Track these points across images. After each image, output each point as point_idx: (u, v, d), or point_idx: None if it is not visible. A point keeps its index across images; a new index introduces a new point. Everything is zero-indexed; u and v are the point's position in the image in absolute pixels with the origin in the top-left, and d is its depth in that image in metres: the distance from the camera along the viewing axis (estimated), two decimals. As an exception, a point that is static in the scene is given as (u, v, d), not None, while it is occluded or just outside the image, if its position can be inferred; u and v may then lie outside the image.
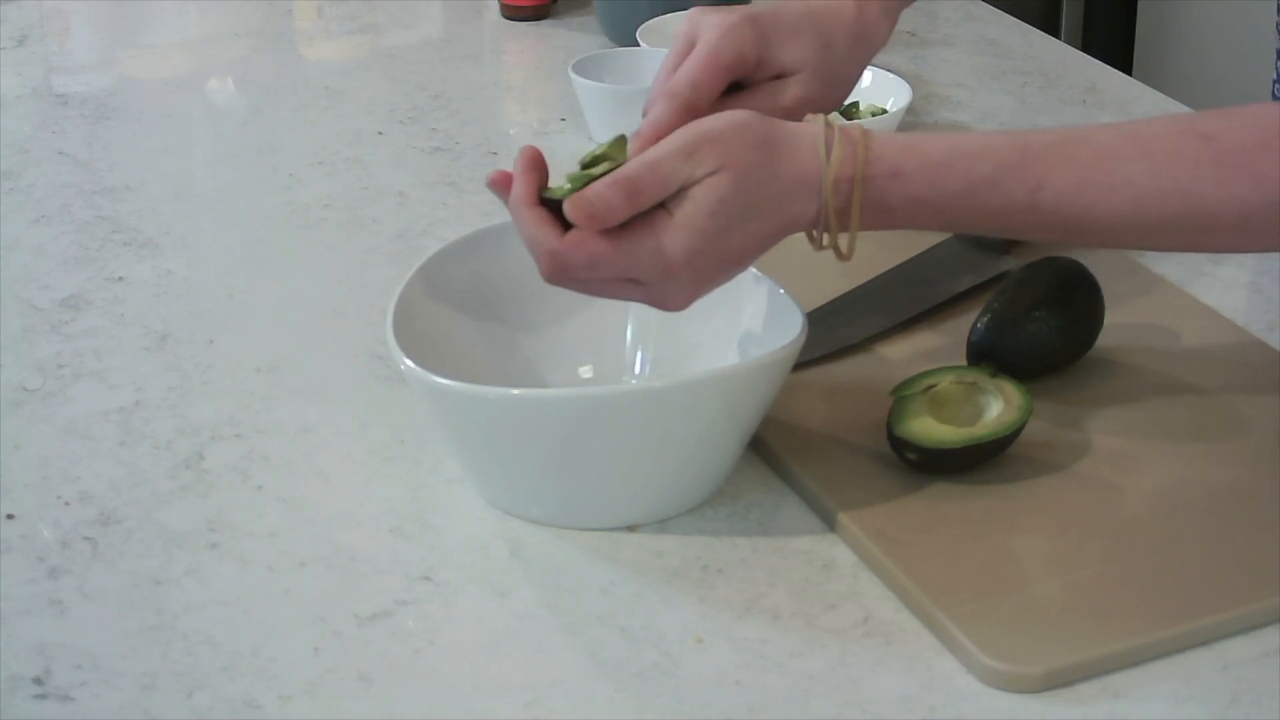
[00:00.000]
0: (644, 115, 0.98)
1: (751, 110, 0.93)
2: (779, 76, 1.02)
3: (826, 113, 0.98)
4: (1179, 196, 0.89)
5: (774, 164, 0.89)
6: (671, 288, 0.90)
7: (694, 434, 0.92)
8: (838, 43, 1.03)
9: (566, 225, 0.89)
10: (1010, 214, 0.91)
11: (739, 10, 1.00)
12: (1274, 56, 1.41)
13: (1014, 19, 1.78)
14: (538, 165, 0.92)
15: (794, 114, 0.99)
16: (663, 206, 0.88)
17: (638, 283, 0.89)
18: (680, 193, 0.88)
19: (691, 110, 0.96)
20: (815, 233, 0.92)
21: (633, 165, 0.88)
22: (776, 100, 1.01)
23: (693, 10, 1.02)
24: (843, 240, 0.91)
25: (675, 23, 1.55)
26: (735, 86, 1.01)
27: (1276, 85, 1.40)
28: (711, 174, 0.88)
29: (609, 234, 0.88)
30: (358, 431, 1.04)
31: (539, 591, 0.90)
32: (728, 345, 1.01)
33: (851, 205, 0.90)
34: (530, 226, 0.89)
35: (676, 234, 0.88)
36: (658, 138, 0.94)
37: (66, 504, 0.96)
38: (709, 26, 0.99)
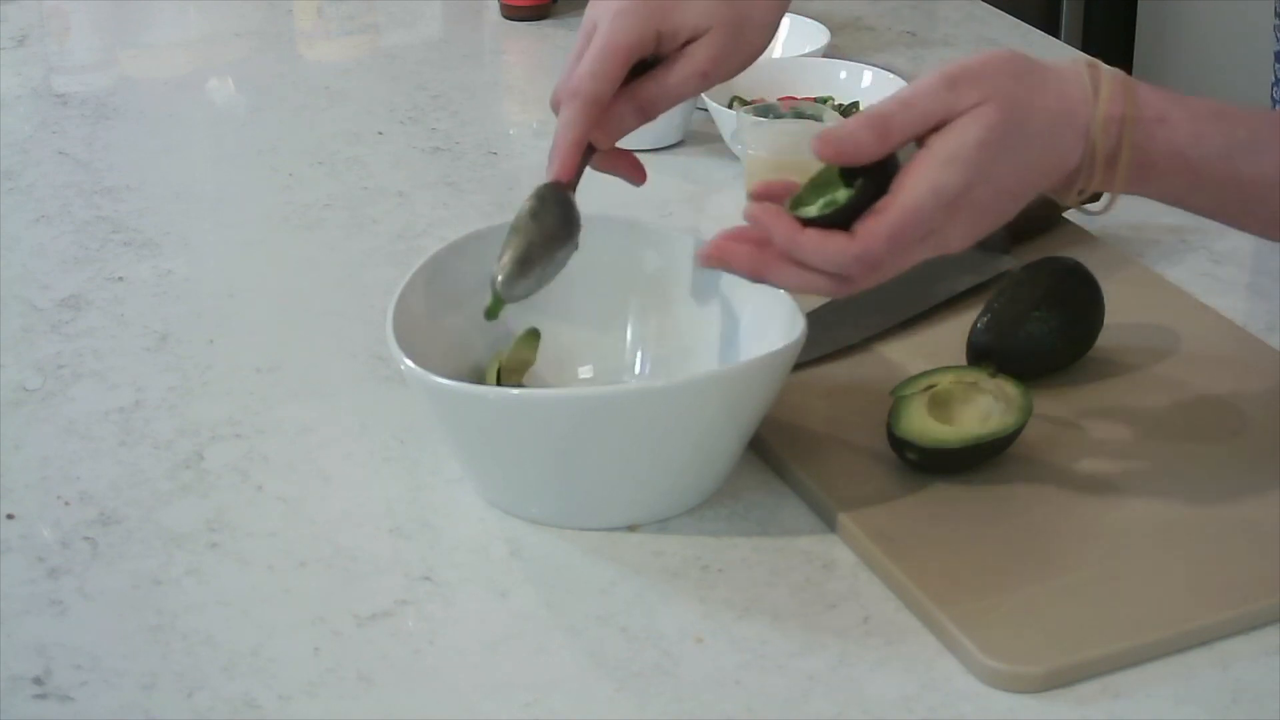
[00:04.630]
0: (554, 111, 0.97)
1: (675, 77, 0.91)
2: (688, 42, 0.98)
3: (746, 65, 0.96)
4: None
5: (1040, 96, 0.86)
6: (954, 228, 0.86)
7: (694, 434, 0.92)
8: None
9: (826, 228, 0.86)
10: (1259, 187, 0.87)
11: None
12: (1273, 59, 1.41)
13: (1014, 19, 1.78)
14: (775, 194, 0.90)
15: (710, 78, 0.98)
16: (922, 145, 0.85)
17: (931, 235, 0.86)
18: (941, 128, 0.85)
19: (597, 104, 0.95)
20: (1080, 181, 0.87)
21: (885, 103, 0.85)
22: (688, 68, 0.98)
23: None
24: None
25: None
26: (645, 66, 0.98)
27: (1275, 88, 1.40)
28: (976, 105, 0.84)
29: (890, 202, 0.84)
30: (358, 431, 1.04)
31: (539, 591, 0.90)
32: (728, 345, 1.01)
33: (1121, 151, 0.85)
34: (819, 247, 0.86)
35: (948, 168, 0.84)
36: (571, 142, 0.94)
37: (66, 504, 0.96)
38: (604, 14, 0.96)
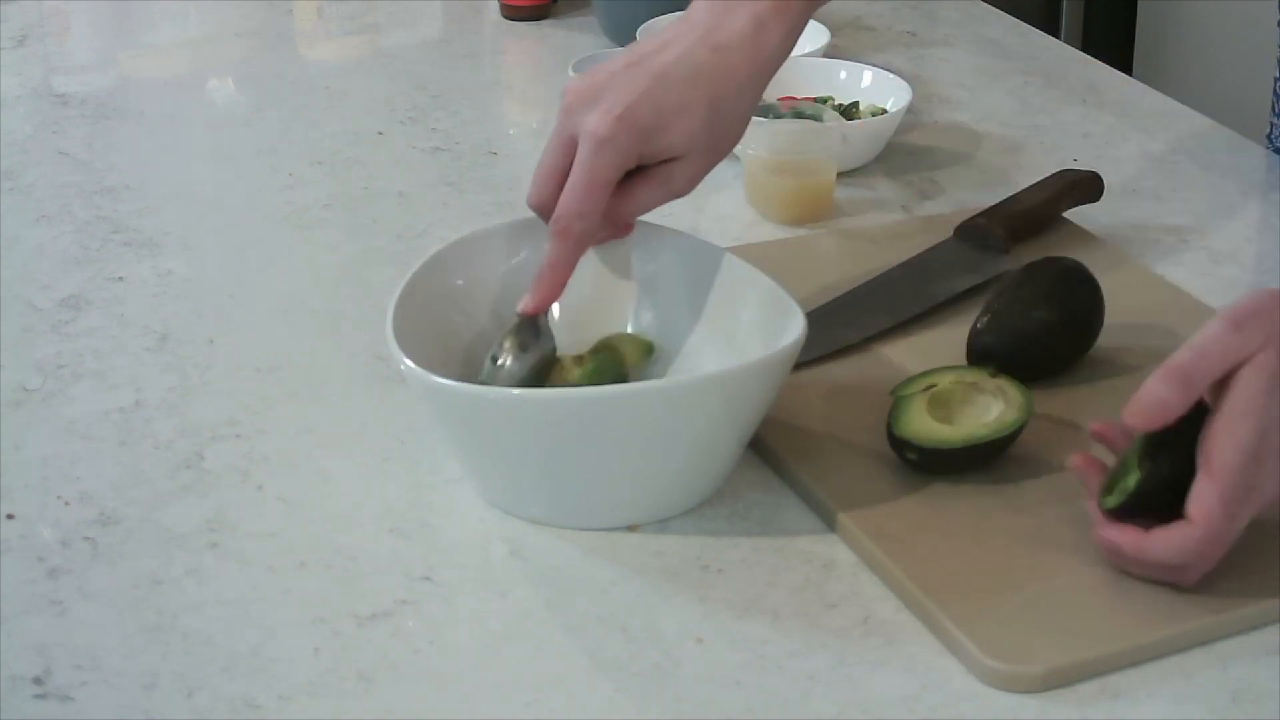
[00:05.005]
0: (534, 211, 0.98)
1: (651, 198, 0.95)
2: (667, 160, 0.98)
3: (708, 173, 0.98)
4: None
5: None
6: (1268, 478, 0.85)
7: (694, 434, 0.92)
8: (726, 104, 0.98)
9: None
10: None
11: (618, 100, 0.95)
12: (1274, 59, 1.41)
13: (1014, 19, 1.78)
14: (1096, 469, 0.90)
15: (683, 194, 0.99)
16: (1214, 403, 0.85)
17: (1250, 492, 0.85)
18: (1227, 379, 0.85)
19: (587, 241, 0.96)
20: None
21: (1178, 356, 0.85)
22: (665, 190, 0.98)
23: (570, 88, 0.97)
24: None
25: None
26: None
27: (1278, 85, 1.40)
28: (1258, 351, 0.85)
29: (1208, 472, 0.84)
30: (358, 431, 1.04)
31: (539, 591, 0.90)
32: (728, 345, 1.01)
33: None
34: (1167, 547, 0.85)
35: (1243, 422, 0.84)
36: (561, 279, 0.96)
37: (66, 504, 0.96)
38: (586, 137, 0.95)
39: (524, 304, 0.98)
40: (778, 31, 0.99)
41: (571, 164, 0.96)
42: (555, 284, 0.97)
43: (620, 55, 0.99)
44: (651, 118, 0.95)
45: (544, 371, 1.00)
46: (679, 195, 0.99)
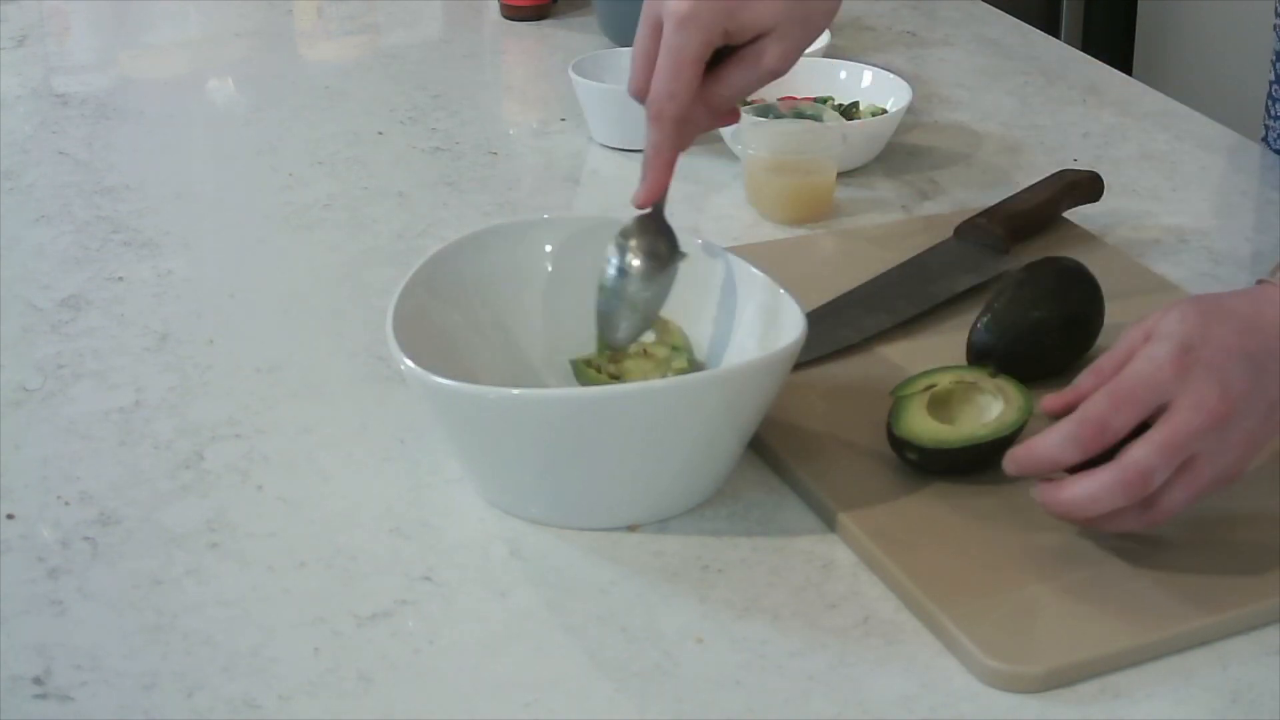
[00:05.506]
0: (634, 98, 0.97)
1: (745, 78, 0.94)
2: (756, 38, 0.96)
3: (805, 51, 0.96)
4: None
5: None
6: (1191, 386, 0.87)
7: (694, 434, 0.92)
8: None
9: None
10: None
11: None
12: (1272, 59, 1.41)
13: (1014, 19, 1.78)
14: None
15: (779, 75, 0.97)
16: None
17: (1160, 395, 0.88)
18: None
19: (683, 122, 0.95)
20: None
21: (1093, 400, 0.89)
22: (758, 69, 0.97)
23: None
24: None
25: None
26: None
27: (1275, 86, 1.40)
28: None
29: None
30: (358, 431, 1.04)
31: (539, 591, 0.90)
32: (728, 345, 1.01)
33: None
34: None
35: (1156, 344, 0.89)
36: (664, 164, 0.95)
37: (66, 504, 0.96)
38: (670, 15, 0.94)
39: (636, 197, 0.97)
40: None
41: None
42: (661, 171, 0.96)
43: None
44: None
45: (669, 263, 0.97)
46: (775, 74, 0.97)
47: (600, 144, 1.43)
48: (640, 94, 0.98)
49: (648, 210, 0.98)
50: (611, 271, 0.98)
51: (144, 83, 1.65)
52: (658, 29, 0.95)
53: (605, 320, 0.99)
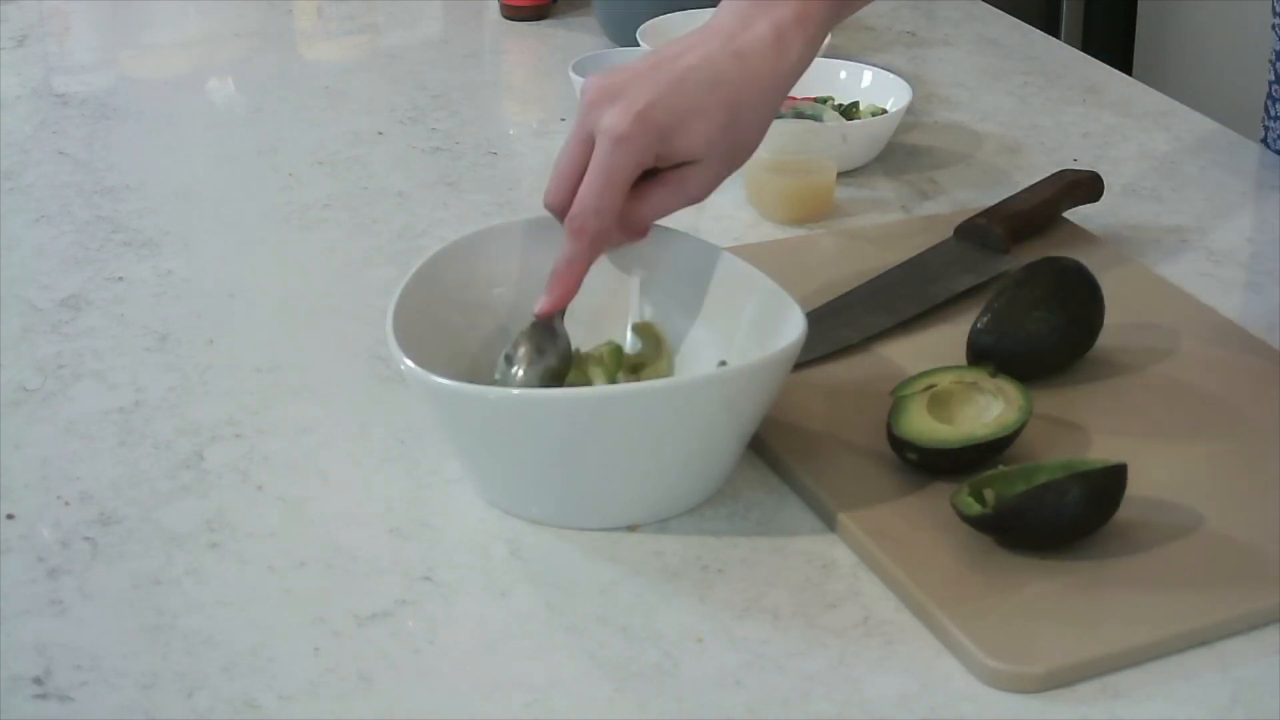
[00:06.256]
0: (549, 211, 0.99)
1: (666, 203, 0.98)
2: (682, 165, 0.97)
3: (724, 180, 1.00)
4: None
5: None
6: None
7: (694, 434, 0.92)
8: (745, 111, 0.97)
9: None
10: None
11: (638, 98, 0.95)
12: (1270, 59, 1.41)
13: (1014, 19, 1.78)
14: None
15: (698, 199, 0.99)
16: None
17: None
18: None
19: (603, 239, 0.97)
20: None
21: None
22: (680, 195, 0.98)
23: (590, 85, 0.97)
24: None
25: (675, 23, 1.55)
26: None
27: (1274, 86, 1.40)
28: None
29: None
30: (358, 431, 1.04)
31: (539, 591, 0.90)
32: (728, 345, 1.01)
33: None
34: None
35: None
36: (577, 276, 0.97)
37: (66, 504, 0.96)
38: (604, 134, 0.95)
39: (539, 305, 0.98)
40: (798, 42, 0.99)
41: (589, 163, 0.96)
42: (570, 283, 0.97)
43: (641, 57, 0.99)
44: (670, 119, 0.95)
45: (560, 375, 0.99)
46: (694, 201, 0.99)
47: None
48: (557, 207, 0.99)
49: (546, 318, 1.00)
50: (501, 364, 0.99)
51: (144, 83, 1.65)
52: (588, 144, 0.96)
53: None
